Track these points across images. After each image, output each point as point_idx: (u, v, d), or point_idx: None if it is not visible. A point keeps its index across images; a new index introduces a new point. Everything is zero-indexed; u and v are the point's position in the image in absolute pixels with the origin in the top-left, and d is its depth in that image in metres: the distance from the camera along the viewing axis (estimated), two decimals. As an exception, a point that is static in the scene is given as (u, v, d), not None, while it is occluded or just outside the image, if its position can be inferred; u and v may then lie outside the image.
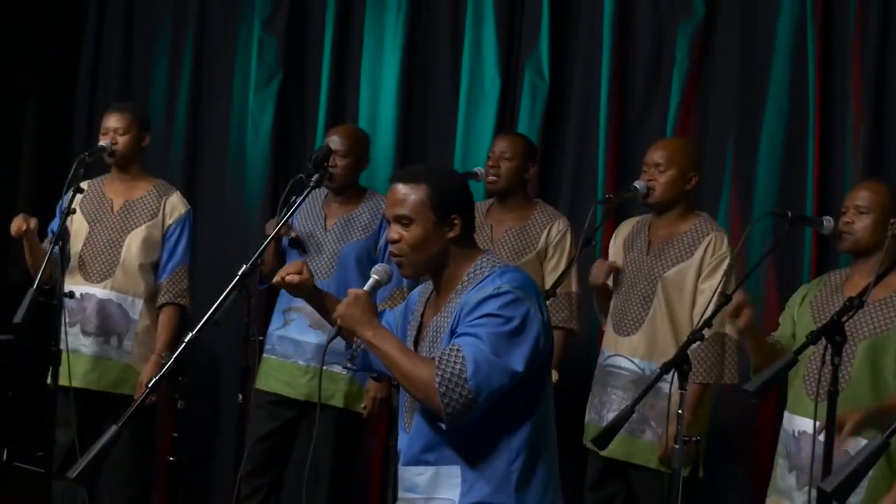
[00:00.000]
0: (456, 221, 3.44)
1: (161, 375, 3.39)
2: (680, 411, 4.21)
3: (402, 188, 3.45)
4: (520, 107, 6.35)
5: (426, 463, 3.44)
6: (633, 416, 4.80)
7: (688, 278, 5.00)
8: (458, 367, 3.24)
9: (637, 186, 5.04)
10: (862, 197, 4.52)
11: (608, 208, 5.28)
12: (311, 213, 5.72)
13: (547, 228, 5.50)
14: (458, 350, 3.27)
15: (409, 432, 3.50)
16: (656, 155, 5.08)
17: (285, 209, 4.66)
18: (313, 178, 4.19)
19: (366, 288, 3.50)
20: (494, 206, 5.59)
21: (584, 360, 5.84)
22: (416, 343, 3.55)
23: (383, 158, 6.58)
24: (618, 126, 6.16)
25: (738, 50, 5.97)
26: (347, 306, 3.42)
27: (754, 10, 5.94)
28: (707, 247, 5.01)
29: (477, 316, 3.31)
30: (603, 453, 4.99)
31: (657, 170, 5.05)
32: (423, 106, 6.69)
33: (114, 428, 3.21)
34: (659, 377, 4.21)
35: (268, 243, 3.97)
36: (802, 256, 5.69)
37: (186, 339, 3.48)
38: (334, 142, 5.60)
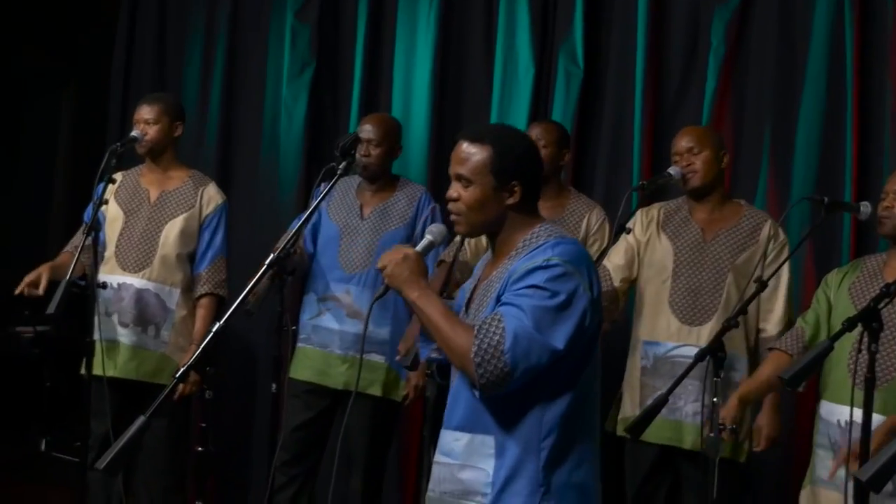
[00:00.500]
0: (516, 188, 3.37)
1: (188, 366, 3.36)
2: (715, 399, 4.17)
3: (466, 147, 3.39)
4: (554, 94, 6.30)
5: (463, 429, 3.39)
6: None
7: (752, 265, 4.95)
8: (496, 338, 3.20)
9: (672, 173, 5.00)
10: None
11: (642, 195, 5.22)
12: (344, 202, 5.71)
13: (586, 216, 5.46)
14: (499, 320, 3.22)
15: (452, 395, 3.46)
16: (684, 141, 5.05)
17: (316, 198, 4.65)
18: (340, 166, 4.18)
19: (418, 248, 3.44)
20: None
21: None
22: (469, 304, 3.50)
23: (416, 147, 6.56)
24: (653, 112, 6.11)
25: (774, 34, 5.91)
26: (396, 265, 3.36)
27: (791, -6, 5.89)
28: (768, 234, 4.99)
29: (523, 286, 3.26)
30: (681, 445, 4.95)
31: (691, 154, 5.02)
32: (456, 94, 6.65)
33: (141, 418, 3.20)
34: (694, 364, 4.17)
35: (298, 232, 3.95)
36: (841, 242, 5.63)
37: (213, 330, 3.44)
38: (367, 130, 5.59)
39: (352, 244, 5.60)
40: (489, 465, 3.34)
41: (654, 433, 4.82)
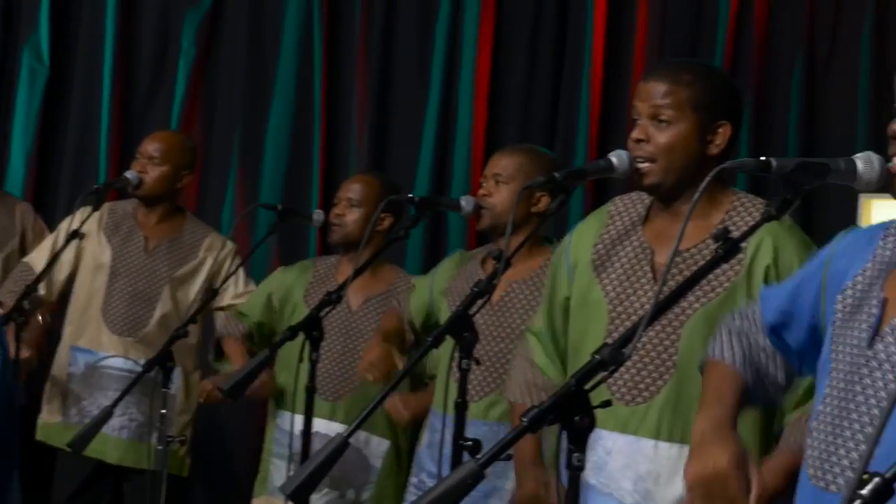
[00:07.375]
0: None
1: None
2: (163, 411, 4.10)
3: None
4: (17, 92, 6.02)
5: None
6: (141, 419, 4.66)
7: (197, 277, 4.88)
8: None
9: (129, 177, 4.84)
10: (354, 189, 4.55)
11: (100, 198, 4.99)
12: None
13: None
14: None
15: None
16: (152, 147, 4.88)
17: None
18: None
19: None
20: None
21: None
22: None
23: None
24: (121, 114, 5.96)
25: (245, 40, 5.91)
26: None
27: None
28: (209, 246, 4.91)
29: None
30: (110, 460, 4.76)
31: (151, 162, 4.85)
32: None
33: None
34: (142, 375, 4.08)
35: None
36: (307, 248, 5.68)
37: None
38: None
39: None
40: None
41: (60, 441, 4.65)
